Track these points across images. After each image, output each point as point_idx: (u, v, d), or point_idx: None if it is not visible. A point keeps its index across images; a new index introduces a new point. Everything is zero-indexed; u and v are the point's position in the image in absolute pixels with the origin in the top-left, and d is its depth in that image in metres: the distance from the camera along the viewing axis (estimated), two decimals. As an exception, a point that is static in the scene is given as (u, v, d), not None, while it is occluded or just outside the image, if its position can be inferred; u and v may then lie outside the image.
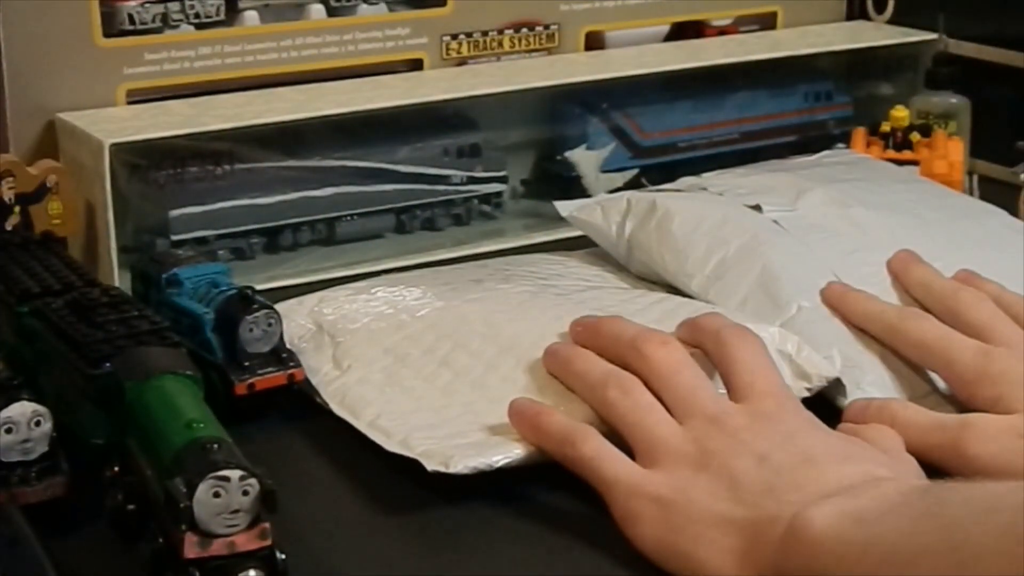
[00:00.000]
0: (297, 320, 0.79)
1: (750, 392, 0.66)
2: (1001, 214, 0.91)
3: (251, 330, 0.73)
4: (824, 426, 0.65)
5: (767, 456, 0.61)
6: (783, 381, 0.68)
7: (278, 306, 0.79)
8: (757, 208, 0.86)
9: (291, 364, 0.73)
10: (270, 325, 0.73)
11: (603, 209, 0.88)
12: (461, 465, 0.65)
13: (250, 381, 0.72)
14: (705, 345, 0.70)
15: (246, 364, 0.72)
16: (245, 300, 0.73)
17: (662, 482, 0.62)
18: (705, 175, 0.95)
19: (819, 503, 0.57)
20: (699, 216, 0.85)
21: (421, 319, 0.78)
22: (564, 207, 0.91)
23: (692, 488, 0.61)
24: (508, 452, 0.66)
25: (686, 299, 0.81)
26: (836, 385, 0.73)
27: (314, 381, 0.74)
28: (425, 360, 0.74)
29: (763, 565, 0.58)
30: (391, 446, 0.68)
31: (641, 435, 0.65)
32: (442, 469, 0.65)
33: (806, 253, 0.82)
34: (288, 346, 0.76)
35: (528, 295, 0.80)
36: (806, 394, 0.72)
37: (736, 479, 0.61)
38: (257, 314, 0.73)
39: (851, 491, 0.57)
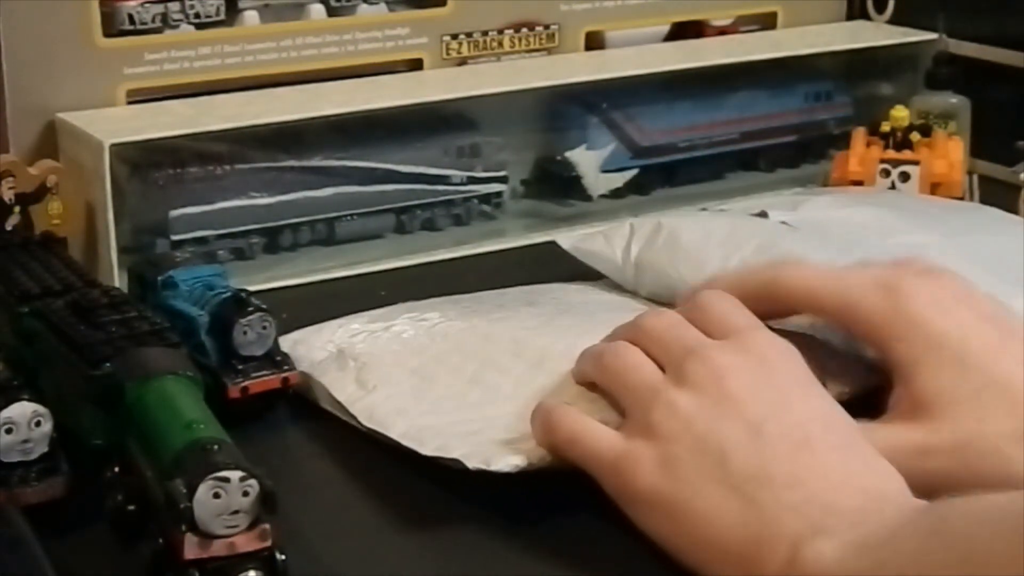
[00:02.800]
0: (317, 344, 0.78)
1: (732, 329, 0.65)
2: (990, 208, 0.92)
3: (245, 333, 0.72)
4: (811, 376, 0.63)
5: (760, 427, 0.59)
6: (762, 323, 0.66)
7: (296, 334, 0.79)
8: (762, 215, 0.86)
9: (285, 367, 0.73)
10: (264, 328, 0.73)
11: (606, 237, 0.87)
12: (502, 463, 0.65)
13: (243, 384, 0.72)
14: (684, 312, 0.68)
15: (240, 367, 0.72)
16: (239, 303, 0.73)
17: (649, 456, 0.61)
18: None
19: (822, 536, 0.55)
20: (706, 228, 0.84)
21: (445, 340, 0.77)
22: (565, 240, 0.90)
23: (681, 464, 0.60)
24: (546, 454, 0.66)
25: None
26: None
27: (340, 399, 0.73)
28: (453, 379, 0.74)
29: None
30: (427, 451, 0.67)
31: (629, 394, 0.64)
32: (483, 467, 0.65)
33: (823, 243, 0.82)
34: (306, 367, 0.76)
35: (555, 313, 0.80)
36: None
37: (726, 454, 0.59)
38: (251, 317, 0.73)
39: (853, 518, 0.56)
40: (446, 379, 0.74)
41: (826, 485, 0.58)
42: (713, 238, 0.83)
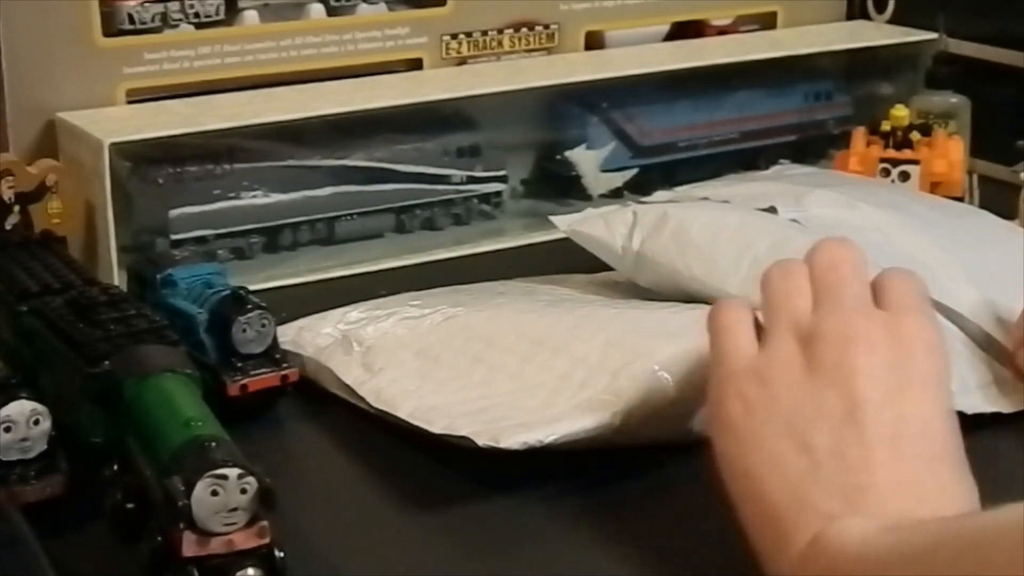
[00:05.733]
0: (322, 331, 0.79)
1: (896, 304, 0.61)
2: (983, 212, 0.91)
3: (244, 331, 0.72)
4: (942, 377, 0.61)
5: (858, 407, 0.57)
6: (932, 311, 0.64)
7: (301, 321, 0.79)
8: (771, 210, 0.85)
9: (284, 365, 0.73)
10: (263, 326, 0.73)
11: (606, 222, 0.85)
12: (512, 440, 0.65)
13: (243, 382, 0.72)
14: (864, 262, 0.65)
15: (239, 365, 0.72)
16: (238, 301, 0.73)
17: (752, 394, 0.59)
18: (679, 188, 0.94)
19: (855, 517, 0.55)
20: (717, 222, 0.82)
21: (449, 323, 0.77)
22: (561, 221, 0.87)
23: (774, 409, 0.59)
24: (556, 430, 0.66)
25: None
26: None
27: (347, 382, 0.74)
28: (458, 359, 0.74)
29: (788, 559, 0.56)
30: (436, 429, 0.67)
31: (772, 317, 0.62)
32: (493, 444, 0.65)
33: None
34: (312, 353, 0.76)
35: (554, 300, 0.80)
36: None
37: (817, 419, 0.57)
38: (250, 315, 0.73)
39: (895, 514, 0.55)
40: (450, 359, 0.74)
41: (889, 484, 0.57)
42: (724, 233, 0.81)
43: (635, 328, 0.74)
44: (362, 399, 0.72)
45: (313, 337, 0.77)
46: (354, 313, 0.80)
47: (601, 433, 0.67)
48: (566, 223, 0.87)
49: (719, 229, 0.82)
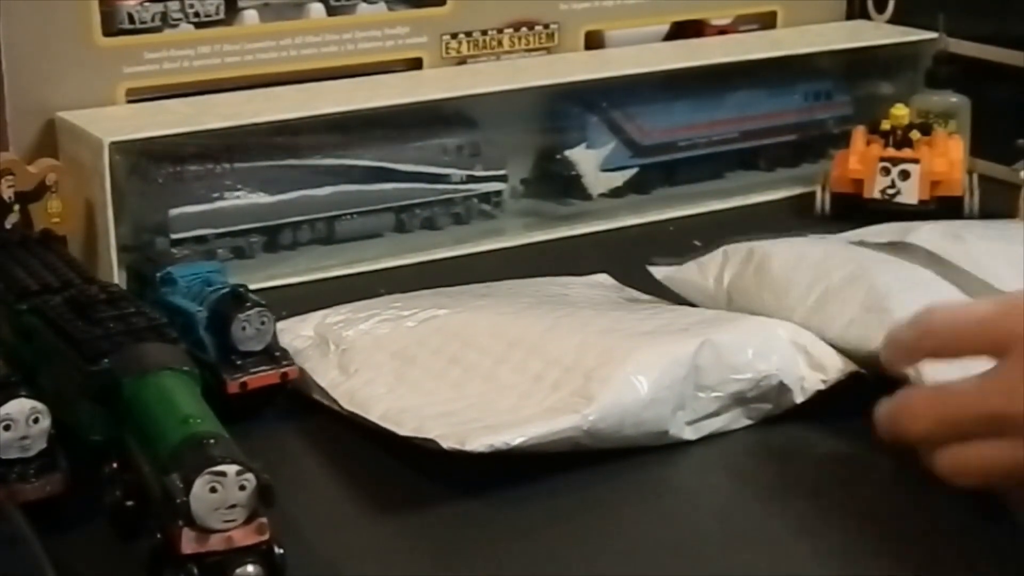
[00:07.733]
0: (300, 333, 0.78)
1: None
2: None
3: (244, 328, 0.72)
4: None
5: None
6: None
7: (280, 323, 0.79)
8: (861, 244, 0.82)
9: (284, 363, 0.73)
10: (263, 323, 0.73)
11: (700, 266, 0.83)
12: (477, 443, 0.65)
13: (243, 380, 0.72)
14: None
15: (239, 363, 0.72)
16: (238, 298, 0.73)
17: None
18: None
19: None
20: (798, 255, 0.80)
21: (426, 324, 0.77)
22: (658, 272, 0.85)
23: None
24: (523, 433, 0.66)
25: (696, 309, 0.79)
26: None
27: (322, 385, 0.74)
28: (433, 360, 0.74)
29: None
30: (404, 432, 0.67)
31: None
32: (458, 447, 0.65)
33: (917, 278, 0.77)
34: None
35: (535, 303, 0.80)
36: (822, 386, 0.72)
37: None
38: (250, 312, 0.73)
39: None
40: (426, 359, 0.74)
41: None
42: (802, 266, 0.79)
43: (611, 329, 0.73)
44: (335, 401, 0.72)
45: (291, 340, 0.77)
46: (334, 315, 0.80)
47: (571, 436, 0.67)
48: (661, 273, 0.85)
49: (799, 261, 0.80)
